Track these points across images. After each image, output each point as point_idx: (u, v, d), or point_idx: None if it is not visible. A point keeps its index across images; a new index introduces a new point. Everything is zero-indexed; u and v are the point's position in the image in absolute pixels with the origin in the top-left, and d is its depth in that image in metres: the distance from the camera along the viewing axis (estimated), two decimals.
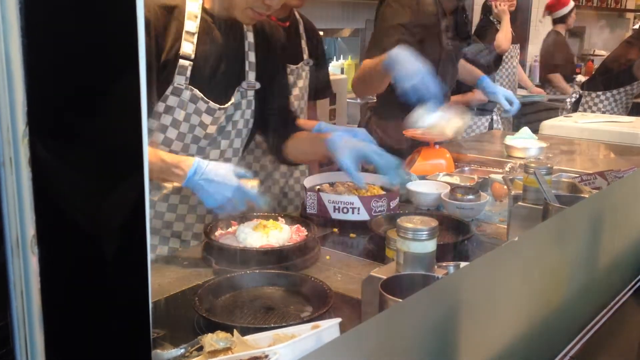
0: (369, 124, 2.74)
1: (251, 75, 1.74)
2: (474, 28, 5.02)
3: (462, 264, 1.14)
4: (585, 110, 4.51)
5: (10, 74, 0.47)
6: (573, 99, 4.74)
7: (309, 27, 2.55)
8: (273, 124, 1.86)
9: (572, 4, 5.51)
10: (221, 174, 1.48)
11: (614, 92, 4.53)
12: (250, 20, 1.64)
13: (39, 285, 0.51)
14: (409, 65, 1.88)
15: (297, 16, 2.50)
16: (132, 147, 0.55)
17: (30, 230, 0.50)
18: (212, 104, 1.64)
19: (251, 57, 1.74)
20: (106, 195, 0.54)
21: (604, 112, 4.45)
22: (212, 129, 1.68)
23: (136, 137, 0.55)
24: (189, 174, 1.47)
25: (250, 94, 1.75)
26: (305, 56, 2.47)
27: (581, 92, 4.72)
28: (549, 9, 5.58)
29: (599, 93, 4.55)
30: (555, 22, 5.59)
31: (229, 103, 1.69)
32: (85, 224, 0.53)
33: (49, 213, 0.50)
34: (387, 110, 2.60)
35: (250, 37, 1.74)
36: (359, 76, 2.34)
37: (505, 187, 1.92)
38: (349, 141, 1.63)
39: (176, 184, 1.71)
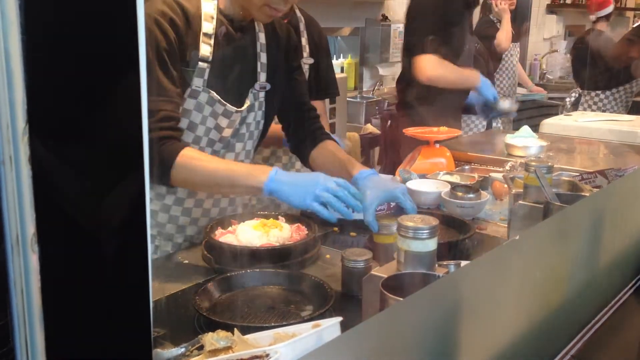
0: (392, 130, 2.94)
1: (262, 77, 1.73)
2: (474, 26, 5.02)
3: (463, 263, 1.14)
4: (585, 110, 4.49)
5: (9, 71, 0.47)
6: (572, 99, 4.71)
7: (311, 25, 2.53)
8: (293, 127, 1.85)
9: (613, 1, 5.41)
10: (301, 175, 1.46)
11: (614, 90, 4.51)
12: (267, 17, 1.61)
13: (39, 284, 0.51)
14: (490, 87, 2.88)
15: (298, 14, 2.49)
16: (133, 145, 0.55)
17: (31, 228, 0.50)
18: (229, 106, 1.63)
19: (263, 58, 1.72)
20: (107, 194, 0.54)
21: (604, 111, 4.43)
22: (227, 132, 1.67)
23: (137, 135, 0.55)
24: (269, 178, 1.41)
25: (262, 95, 1.73)
26: (305, 54, 2.46)
27: (580, 91, 4.70)
28: (596, 8, 5.47)
29: (598, 92, 4.53)
30: (598, 20, 5.48)
31: (245, 106, 1.68)
32: (86, 222, 0.53)
33: (49, 211, 0.50)
34: (414, 114, 2.86)
35: (262, 38, 1.72)
36: (447, 81, 2.83)
37: (506, 185, 1.92)
38: (377, 183, 1.55)
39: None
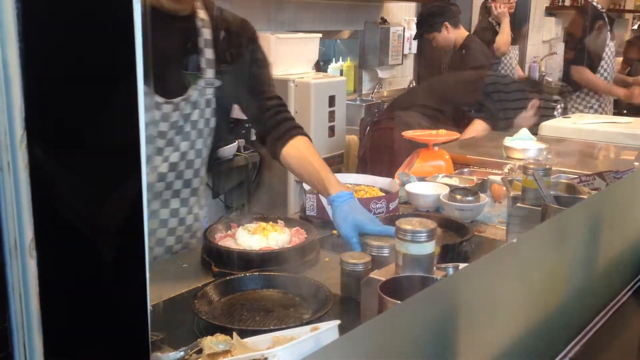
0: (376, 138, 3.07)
1: (209, 73, 1.67)
2: (472, 30, 5.03)
3: (461, 266, 1.15)
4: (573, 114, 4.42)
5: (7, 78, 0.47)
6: (560, 109, 4.62)
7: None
8: (255, 119, 1.85)
9: None
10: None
11: (586, 89, 4.42)
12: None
13: (38, 289, 0.51)
14: None
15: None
16: (130, 150, 0.55)
17: (29, 233, 0.50)
18: (157, 97, 1.57)
19: (208, 54, 1.67)
20: (104, 199, 0.55)
21: (591, 108, 4.37)
22: (164, 127, 1.61)
23: (134, 140, 0.55)
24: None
25: (209, 91, 1.68)
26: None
27: (561, 98, 4.60)
28: None
29: (579, 93, 4.45)
30: None
31: (179, 98, 1.62)
32: (84, 227, 0.53)
33: (47, 217, 0.50)
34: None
35: (207, 34, 1.67)
36: None
37: (504, 188, 1.92)
38: (349, 210, 1.62)
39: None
